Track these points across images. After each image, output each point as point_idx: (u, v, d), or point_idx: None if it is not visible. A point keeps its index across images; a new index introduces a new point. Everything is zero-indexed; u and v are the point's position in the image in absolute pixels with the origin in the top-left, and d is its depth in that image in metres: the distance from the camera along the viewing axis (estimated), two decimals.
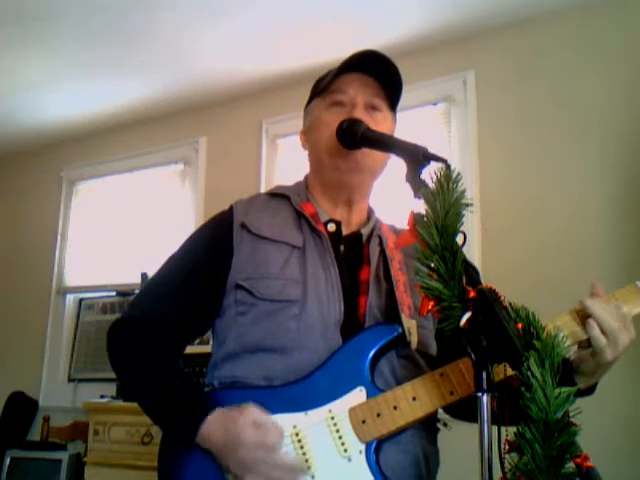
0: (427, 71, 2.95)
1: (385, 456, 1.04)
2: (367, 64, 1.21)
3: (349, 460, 1.02)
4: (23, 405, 3.74)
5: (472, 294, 0.88)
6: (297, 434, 1.03)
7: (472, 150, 2.82)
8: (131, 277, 3.52)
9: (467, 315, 0.87)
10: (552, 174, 2.64)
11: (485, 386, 0.84)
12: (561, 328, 0.96)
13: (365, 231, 1.26)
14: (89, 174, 4.09)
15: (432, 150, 1.03)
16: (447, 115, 2.97)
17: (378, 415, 1.03)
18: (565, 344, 0.91)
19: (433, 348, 1.19)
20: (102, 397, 3.09)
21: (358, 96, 1.21)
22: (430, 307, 0.92)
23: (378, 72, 1.22)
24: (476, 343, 0.85)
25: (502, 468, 0.87)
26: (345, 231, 1.24)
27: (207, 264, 1.18)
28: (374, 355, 1.08)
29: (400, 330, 1.11)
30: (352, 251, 1.22)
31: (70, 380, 3.73)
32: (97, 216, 3.98)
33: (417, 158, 1.01)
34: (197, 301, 1.18)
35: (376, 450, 1.03)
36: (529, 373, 0.86)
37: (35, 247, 4.13)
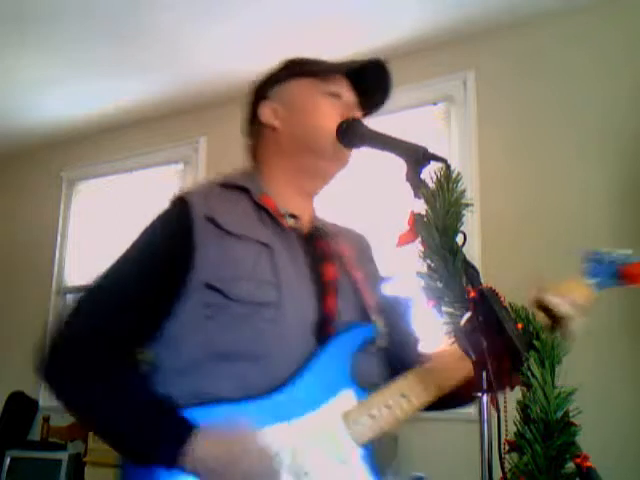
0: (427, 71, 2.95)
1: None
2: (364, 75, 1.20)
3: (346, 464, 1.01)
4: (23, 405, 3.74)
5: (472, 294, 0.88)
6: (290, 444, 0.99)
7: (472, 150, 2.82)
8: None
9: (467, 315, 0.87)
10: (552, 174, 2.63)
11: (485, 386, 0.84)
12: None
13: (319, 226, 1.23)
14: (89, 174, 4.08)
15: (432, 150, 1.03)
16: (447, 115, 2.97)
17: (371, 416, 1.03)
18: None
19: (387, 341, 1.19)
20: None
21: (352, 97, 1.20)
22: (430, 307, 0.92)
23: (367, 85, 1.21)
24: (476, 343, 0.85)
25: (502, 468, 0.87)
26: (302, 226, 1.19)
27: (165, 264, 1.07)
28: (353, 356, 1.08)
29: (376, 329, 1.11)
30: (313, 248, 1.18)
31: None
32: (97, 216, 3.98)
33: (417, 158, 1.01)
34: (156, 307, 1.06)
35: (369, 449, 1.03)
36: (529, 373, 0.86)
37: (35, 247, 4.13)
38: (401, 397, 1.04)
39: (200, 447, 0.93)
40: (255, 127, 1.25)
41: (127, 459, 0.99)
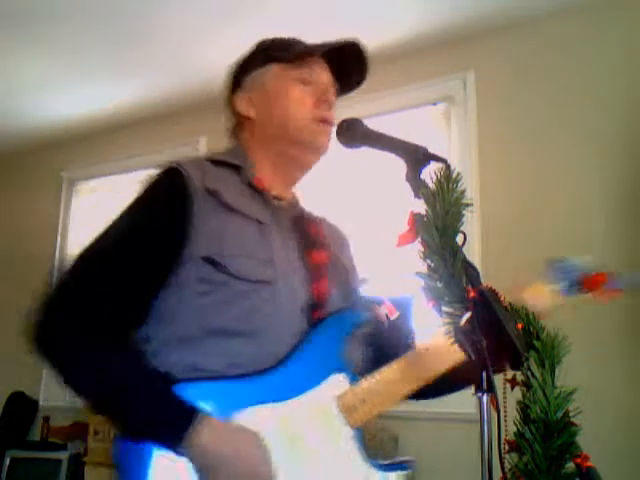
0: (427, 71, 2.95)
1: None
2: (341, 55, 1.20)
3: (342, 448, 1.01)
4: (23, 405, 3.74)
5: (472, 294, 0.88)
6: (286, 426, 0.99)
7: (472, 150, 2.82)
8: None
9: (467, 315, 0.87)
10: (552, 174, 2.63)
11: (485, 386, 0.84)
12: None
13: (304, 210, 1.24)
14: (89, 174, 4.08)
15: (432, 150, 1.03)
16: (447, 115, 2.97)
17: (363, 400, 1.04)
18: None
19: None
20: None
21: (326, 78, 1.20)
22: (430, 307, 0.92)
23: (345, 65, 1.21)
24: (476, 343, 0.85)
25: (502, 468, 0.87)
26: (287, 210, 1.20)
27: (163, 237, 1.04)
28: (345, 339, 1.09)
29: (365, 315, 1.13)
30: (301, 231, 1.19)
31: None
32: (97, 216, 3.98)
33: (417, 158, 1.01)
34: (152, 280, 1.03)
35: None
36: (529, 373, 0.86)
37: (36, 247, 4.13)
38: (391, 383, 1.05)
39: (206, 435, 0.92)
40: (232, 114, 1.24)
41: (124, 433, 0.97)
